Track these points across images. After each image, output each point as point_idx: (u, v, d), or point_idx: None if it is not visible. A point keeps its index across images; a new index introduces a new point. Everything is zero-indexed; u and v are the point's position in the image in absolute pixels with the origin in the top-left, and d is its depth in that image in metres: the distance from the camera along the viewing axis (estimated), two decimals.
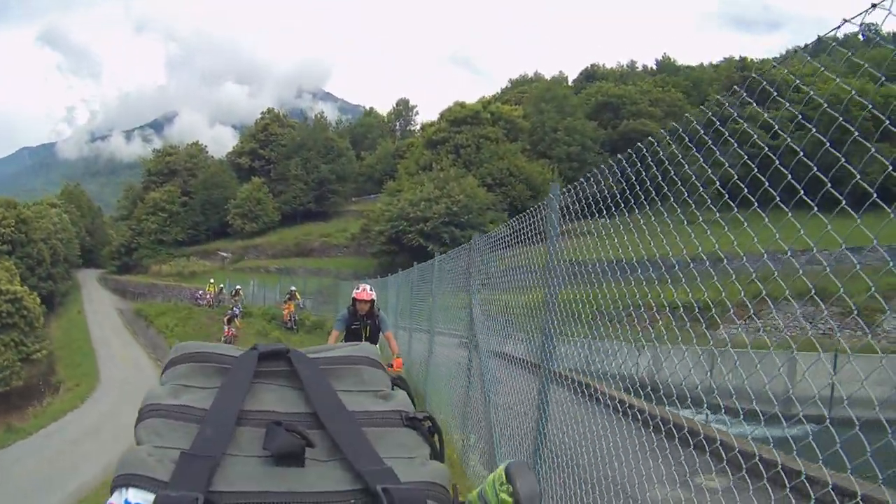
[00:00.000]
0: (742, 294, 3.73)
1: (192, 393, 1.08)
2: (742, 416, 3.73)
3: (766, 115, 3.35)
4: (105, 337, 49.61)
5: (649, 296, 4.61)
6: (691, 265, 4.15)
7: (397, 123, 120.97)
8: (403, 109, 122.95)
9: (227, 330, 36.92)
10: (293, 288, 41.29)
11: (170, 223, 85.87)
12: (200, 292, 51.44)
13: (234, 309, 40.35)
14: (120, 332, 52.24)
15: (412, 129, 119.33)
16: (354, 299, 11.49)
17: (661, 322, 5.61)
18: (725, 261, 3.88)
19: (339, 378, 1.16)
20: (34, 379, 41.54)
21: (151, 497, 0.88)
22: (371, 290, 11.85)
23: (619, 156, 4.71)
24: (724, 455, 4.34)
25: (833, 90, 2.95)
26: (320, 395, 1.09)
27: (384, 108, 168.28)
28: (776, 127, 3.08)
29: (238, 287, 47.12)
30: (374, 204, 77.12)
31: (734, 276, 3.87)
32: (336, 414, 1.06)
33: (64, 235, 73.26)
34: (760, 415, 3.39)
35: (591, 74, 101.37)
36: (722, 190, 3.66)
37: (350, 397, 1.12)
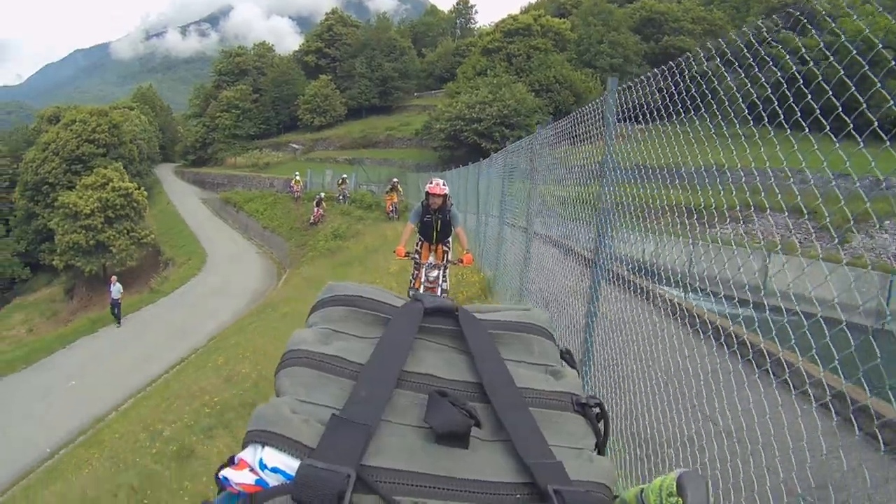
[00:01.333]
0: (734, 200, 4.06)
1: (346, 342, 1.01)
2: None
3: (797, 39, 3.29)
4: (198, 222, 56.31)
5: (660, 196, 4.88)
6: (713, 172, 4.14)
7: (457, 22, 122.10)
8: (463, 8, 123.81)
9: (316, 211, 43.20)
10: (395, 180, 40.92)
11: (242, 119, 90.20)
12: (293, 183, 54.04)
13: (340, 196, 45.18)
14: (210, 218, 59.32)
15: (472, 26, 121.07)
16: (427, 193, 11.59)
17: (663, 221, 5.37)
18: (742, 173, 3.92)
19: (507, 346, 1.06)
20: (146, 258, 48.09)
21: (293, 463, 0.81)
22: (444, 185, 11.71)
23: (661, 67, 4.68)
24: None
25: (863, 25, 3.06)
26: (488, 365, 1.00)
27: (445, 4, 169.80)
28: (803, 52, 3.32)
29: (344, 176, 48.70)
30: (434, 99, 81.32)
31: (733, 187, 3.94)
32: (504, 389, 0.97)
33: (145, 135, 78.48)
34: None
35: None
36: (741, 109, 3.72)
37: (518, 370, 1.02)
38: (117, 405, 21.03)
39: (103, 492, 10.82)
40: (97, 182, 47.63)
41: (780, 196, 3.56)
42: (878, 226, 30.43)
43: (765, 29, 3.59)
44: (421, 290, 11.09)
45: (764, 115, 3.42)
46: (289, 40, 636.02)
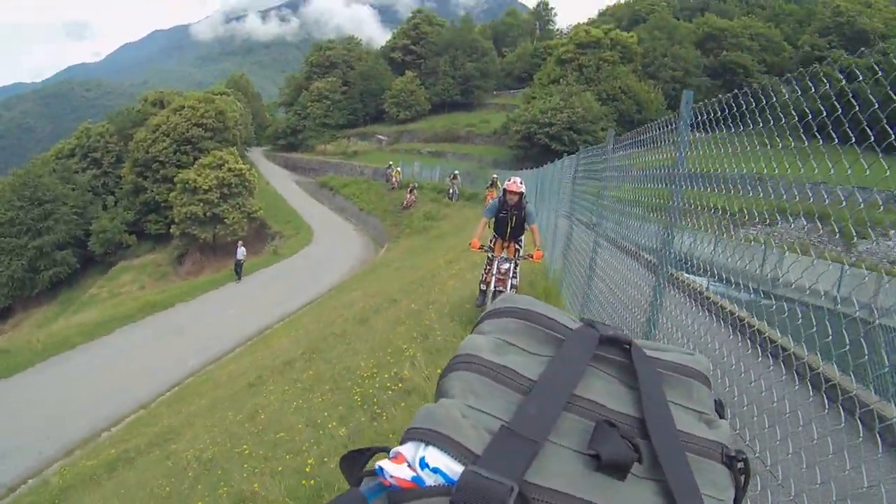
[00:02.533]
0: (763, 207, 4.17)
1: (519, 356, 0.99)
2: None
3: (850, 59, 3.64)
4: (298, 202, 64.24)
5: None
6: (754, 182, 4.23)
7: (536, 24, 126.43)
8: (543, 10, 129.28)
9: (408, 197, 50.35)
10: (495, 176, 41.96)
11: (332, 109, 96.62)
12: (388, 171, 60.01)
13: (451, 190, 49.51)
14: (307, 199, 67.05)
15: (551, 28, 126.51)
16: (505, 190, 11.84)
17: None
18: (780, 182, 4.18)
19: (670, 387, 1.05)
20: (253, 231, 55.26)
21: (456, 467, 0.79)
22: (521, 183, 11.97)
23: (732, 93, 4.40)
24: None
25: None
26: (653, 402, 0.98)
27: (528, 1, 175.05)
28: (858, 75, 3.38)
29: (456, 172, 51.56)
30: (512, 98, 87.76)
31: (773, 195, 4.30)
32: (665, 429, 0.95)
33: (242, 120, 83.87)
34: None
35: None
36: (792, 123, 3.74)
37: (678, 413, 1.01)
38: (273, 323, 28.79)
39: (320, 339, 17.82)
40: (214, 162, 54.73)
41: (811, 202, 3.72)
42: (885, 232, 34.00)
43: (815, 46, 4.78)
44: (492, 284, 11.65)
45: (814, 127, 3.55)
46: (369, 28, 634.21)
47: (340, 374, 12.73)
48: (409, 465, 0.81)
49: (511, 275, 11.61)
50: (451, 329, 12.48)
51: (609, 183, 9.63)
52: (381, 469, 0.82)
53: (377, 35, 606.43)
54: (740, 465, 0.98)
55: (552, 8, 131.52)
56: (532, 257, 11.90)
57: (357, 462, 0.94)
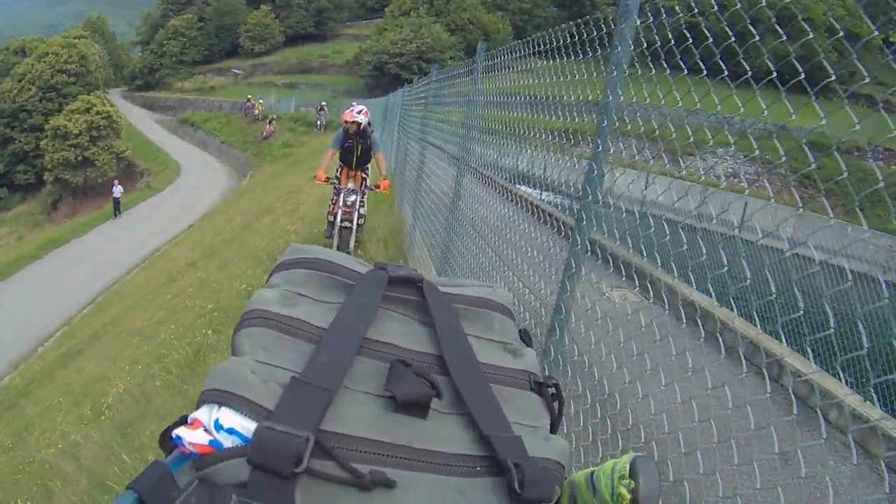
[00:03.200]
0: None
1: (309, 305, 0.99)
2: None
3: None
4: (160, 139, 67.12)
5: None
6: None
7: None
8: None
9: (268, 128, 54.53)
10: (324, 102, 52.23)
11: (189, 46, 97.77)
12: (249, 105, 63.72)
13: (319, 122, 52.78)
14: (168, 136, 69.83)
15: None
16: (344, 120, 11.58)
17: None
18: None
19: (469, 321, 1.06)
20: (122, 171, 57.99)
21: (250, 425, 0.78)
22: (359, 112, 11.66)
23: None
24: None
25: None
26: (450, 338, 0.99)
27: None
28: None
29: (323, 103, 54.76)
30: (365, 28, 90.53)
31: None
32: (465, 363, 0.97)
33: (101, 63, 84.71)
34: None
35: None
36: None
37: (479, 346, 1.02)
38: (161, 245, 33.42)
39: (213, 245, 22.31)
40: (82, 107, 57.23)
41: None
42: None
43: None
44: (339, 216, 11.62)
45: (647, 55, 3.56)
46: None
47: (245, 256, 16.08)
48: (206, 430, 0.81)
49: (358, 205, 11.78)
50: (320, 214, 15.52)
51: (437, 108, 11.42)
52: (178, 438, 0.82)
53: None
54: (552, 390, 1.03)
55: None
56: (378, 188, 11.98)
57: (168, 438, 0.88)
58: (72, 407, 12.85)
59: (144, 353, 13.33)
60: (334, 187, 11.97)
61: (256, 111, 61.78)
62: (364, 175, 12.28)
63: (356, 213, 11.67)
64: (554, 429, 0.99)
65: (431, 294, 1.04)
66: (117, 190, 44.48)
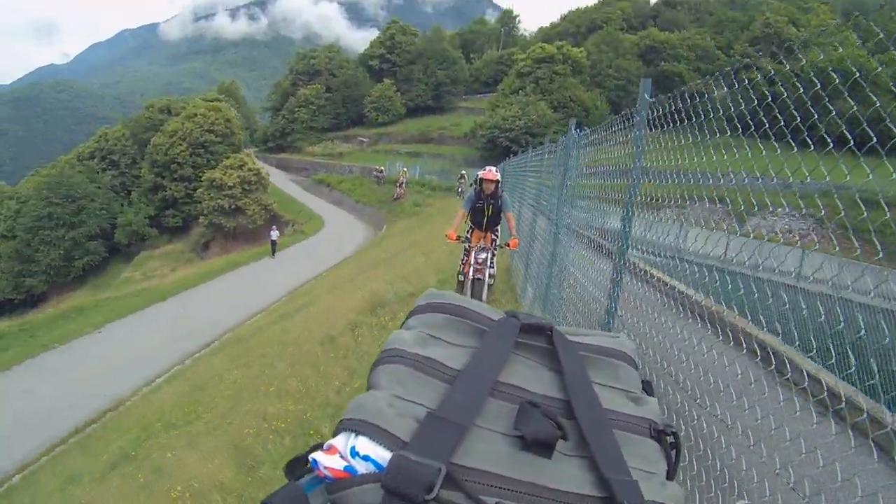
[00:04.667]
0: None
1: (443, 348, 1.04)
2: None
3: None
4: (299, 195, 76.19)
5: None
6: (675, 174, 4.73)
7: (502, 31, 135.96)
8: (507, 19, 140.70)
9: (398, 191, 61.72)
10: (463, 172, 53.79)
11: (318, 114, 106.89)
12: (376, 172, 70.15)
13: (460, 188, 53.57)
14: (306, 194, 78.57)
15: (515, 34, 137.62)
16: (481, 179, 11.87)
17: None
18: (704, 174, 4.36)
19: (595, 369, 1.11)
20: (268, 221, 65.60)
21: (385, 454, 0.84)
22: (496, 171, 11.95)
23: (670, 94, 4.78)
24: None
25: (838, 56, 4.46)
26: (577, 384, 1.03)
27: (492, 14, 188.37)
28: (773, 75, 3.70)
29: (463, 172, 56.44)
30: (480, 102, 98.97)
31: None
32: (590, 408, 1.00)
33: (239, 124, 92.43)
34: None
35: (669, 1, 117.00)
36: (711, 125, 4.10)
37: (603, 392, 1.06)
38: (318, 274, 40.18)
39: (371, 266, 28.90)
40: (235, 164, 66.48)
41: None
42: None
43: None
44: (470, 273, 11.82)
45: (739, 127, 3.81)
46: (336, 26, 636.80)
47: (402, 275, 19.55)
48: (342, 456, 0.87)
49: (488, 264, 11.77)
50: (448, 252, 19.11)
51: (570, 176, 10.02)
52: (315, 462, 0.87)
53: (344, 33, 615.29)
54: (670, 439, 1.07)
55: (516, 16, 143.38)
56: (508, 245, 12.17)
57: (297, 465, 0.97)
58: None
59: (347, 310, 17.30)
60: (465, 247, 12.34)
61: (402, 178, 66.12)
62: (494, 236, 12.55)
63: (486, 269, 11.86)
64: (670, 476, 1.04)
65: (560, 342, 1.10)
66: (274, 234, 51.95)
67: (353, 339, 13.80)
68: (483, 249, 11.89)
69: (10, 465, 19.26)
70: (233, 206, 65.30)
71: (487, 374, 0.97)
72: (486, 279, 11.72)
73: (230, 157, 69.59)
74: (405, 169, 66.84)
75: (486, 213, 12.05)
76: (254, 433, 10.23)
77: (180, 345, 28.06)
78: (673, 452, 1.05)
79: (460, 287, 12.00)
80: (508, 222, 12.31)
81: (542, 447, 0.89)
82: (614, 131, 6.59)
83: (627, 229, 5.55)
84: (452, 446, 0.85)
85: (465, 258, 12.11)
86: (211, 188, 65.93)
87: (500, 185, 12.05)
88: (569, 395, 1.00)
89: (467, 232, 12.56)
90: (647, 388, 1.16)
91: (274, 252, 51.62)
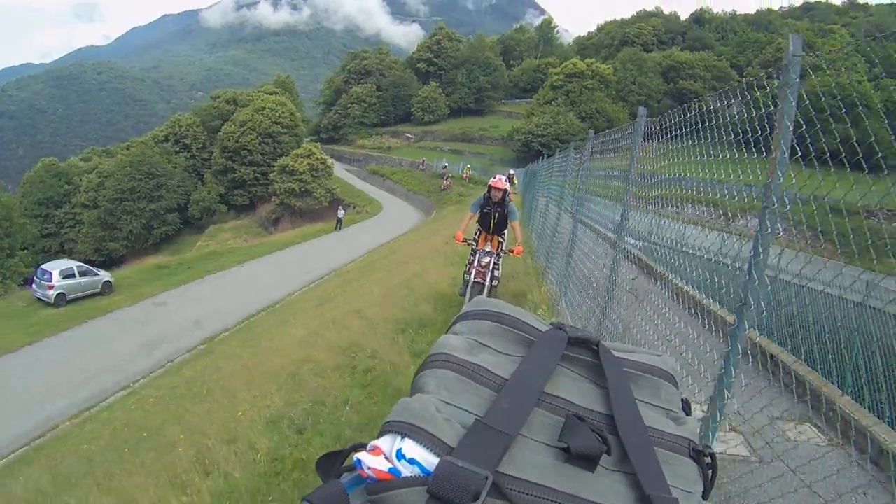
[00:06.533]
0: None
1: (491, 355, 1.04)
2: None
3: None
4: (357, 183, 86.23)
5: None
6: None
7: (540, 40, 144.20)
8: (546, 28, 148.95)
9: (445, 182, 71.44)
10: (511, 171, 53.03)
11: (368, 110, 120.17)
12: (422, 164, 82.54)
13: (508, 184, 61.95)
14: (363, 182, 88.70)
15: (553, 42, 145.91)
16: (490, 186, 12.09)
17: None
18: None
19: (638, 386, 1.11)
20: (332, 202, 75.95)
21: (432, 458, 0.84)
22: (506, 180, 12.22)
23: (680, 107, 5.42)
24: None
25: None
26: (621, 400, 1.03)
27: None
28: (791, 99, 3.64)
29: (511, 172, 54.47)
30: (517, 107, 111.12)
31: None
32: (633, 425, 1.01)
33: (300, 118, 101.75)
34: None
35: (699, 18, 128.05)
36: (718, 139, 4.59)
37: (645, 410, 1.07)
38: (385, 242, 47.03)
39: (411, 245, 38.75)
40: (304, 153, 77.08)
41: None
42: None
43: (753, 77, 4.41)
44: (473, 274, 12.05)
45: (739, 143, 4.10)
46: (378, 19, 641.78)
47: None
48: (386, 457, 0.86)
49: (491, 268, 11.97)
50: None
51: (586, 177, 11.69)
52: (359, 461, 0.87)
53: (385, 26, 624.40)
54: (707, 459, 1.07)
55: (555, 26, 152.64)
56: (513, 252, 12.22)
57: (333, 462, 0.98)
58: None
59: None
60: (472, 249, 12.38)
61: (465, 174, 74.71)
62: (500, 240, 12.63)
63: (489, 273, 11.91)
64: (706, 495, 1.04)
65: (606, 357, 1.10)
66: (341, 211, 61.71)
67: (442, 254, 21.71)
68: (487, 254, 12.11)
69: (234, 319, 30.67)
70: (302, 189, 75.60)
71: (534, 384, 0.99)
72: (487, 284, 11.89)
73: (301, 147, 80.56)
74: (469, 166, 75.39)
75: (492, 218, 12.31)
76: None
77: (303, 277, 38.32)
78: (709, 473, 1.09)
79: (464, 287, 12.49)
80: (514, 231, 12.41)
81: (587, 461, 0.91)
82: (614, 138, 8.33)
83: (625, 222, 7.10)
84: (499, 455, 0.86)
85: (472, 259, 12.28)
86: (283, 172, 76.38)
87: (507, 194, 12.31)
88: (612, 411, 1.02)
89: (475, 234, 12.72)
90: (686, 407, 1.19)
91: (339, 227, 60.09)
